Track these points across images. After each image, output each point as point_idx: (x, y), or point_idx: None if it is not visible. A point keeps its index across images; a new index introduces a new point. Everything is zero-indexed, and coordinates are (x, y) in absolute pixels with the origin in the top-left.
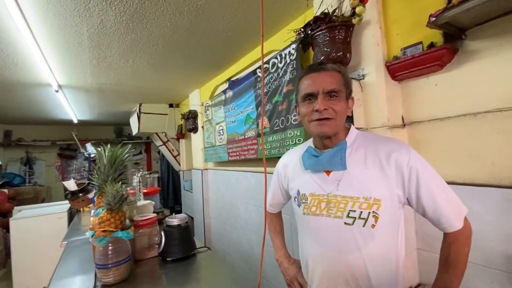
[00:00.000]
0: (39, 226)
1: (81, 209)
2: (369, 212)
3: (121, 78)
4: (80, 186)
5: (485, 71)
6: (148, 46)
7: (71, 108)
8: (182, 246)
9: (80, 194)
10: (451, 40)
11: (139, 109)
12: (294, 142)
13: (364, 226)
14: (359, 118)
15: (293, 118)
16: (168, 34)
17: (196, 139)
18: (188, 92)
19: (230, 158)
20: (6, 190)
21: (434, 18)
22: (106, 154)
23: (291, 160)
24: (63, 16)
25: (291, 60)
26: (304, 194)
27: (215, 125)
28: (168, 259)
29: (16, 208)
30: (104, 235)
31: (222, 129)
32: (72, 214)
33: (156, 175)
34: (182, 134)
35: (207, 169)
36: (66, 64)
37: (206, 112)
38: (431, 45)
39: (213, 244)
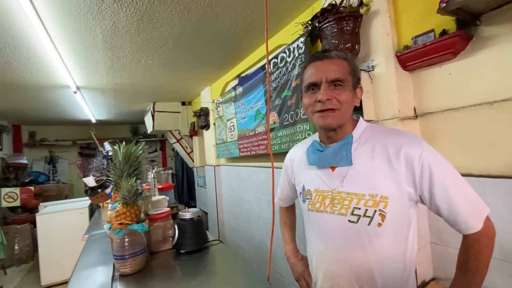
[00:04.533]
0: (63, 221)
1: (101, 204)
2: (375, 210)
3: (135, 78)
4: (99, 183)
5: (501, 58)
6: (159, 45)
7: (89, 108)
8: (194, 239)
9: (99, 190)
10: (464, 27)
11: (153, 107)
12: (303, 137)
13: (369, 224)
14: (369, 110)
15: (303, 112)
16: (177, 33)
17: (208, 135)
18: (200, 90)
19: (241, 154)
20: (32, 188)
21: (444, 4)
22: (121, 151)
23: (297, 154)
24: (78, 19)
25: (299, 54)
26: (309, 189)
27: (226, 121)
28: (182, 251)
29: (41, 204)
30: (120, 228)
31: (233, 125)
32: (92, 209)
33: (170, 172)
34: (194, 131)
35: (219, 165)
36: (83, 65)
37: (217, 109)
38: (443, 32)
39: (227, 238)
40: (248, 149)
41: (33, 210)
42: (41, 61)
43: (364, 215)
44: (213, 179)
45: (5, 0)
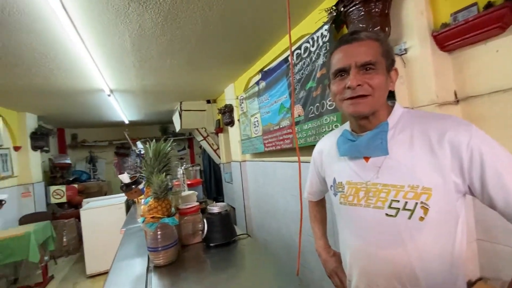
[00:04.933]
0: (103, 215)
1: (136, 200)
2: (416, 203)
3: (162, 78)
4: (133, 179)
5: None
6: (183, 45)
7: (121, 110)
8: (223, 232)
9: (133, 186)
10: None
11: (180, 107)
12: (330, 129)
13: (410, 218)
14: (403, 96)
15: (329, 103)
16: (200, 30)
17: (233, 132)
18: (223, 87)
19: (266, 149)
20: (76, 185)
21: None
22: (151, 148)
23: (326, 146)
24: (107, 24)
25: (323, 43)
26: (341, 182)
27: (250, 117)
28: (211, 244)
29: (84, 200)
30: (153, 221)
31: (257, 121)
32: (128, 205)
33: (198, 168)
34: (220, 128)
35: (245, 161)
36: (114, 69)
37: (241, 105)
38: (489, 5)
39: (254, 233)
40: (273, 144)
41: (78, 205)
42: (78, 67)
43: (404, 208)
44: (239, 175)
45: (46, 14)
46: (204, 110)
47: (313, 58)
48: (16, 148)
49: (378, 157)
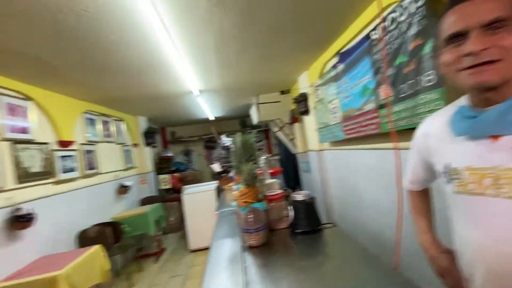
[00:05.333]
0: (199, 199)
1: (225, 187)
2: None
3: (239, 75)
4: (223, 168)
5: None
6: (257, 40)
7: (207, 108)
8: (308, 220)
9: (223, 174)
10: None
11: (257, 100)
12: (429, 109)
13: None
14: None
15: (426, 79)
16: (274, 21)
17: (309, 121)
18: (297, 76)
19: (346, 136)
20: (177, 175)
21: None
22: (239, 140)
23: (432, 127)
24: (196, 34)
25: (417, 9)
26: (456, 168)
27: (327, 104)
28: (297, 231)
29: (184, 187)
30: (245, 205)
31: (335, 107)
32: (218, 191)
33: (277, 157)
34: (295, 118)
35: (322, 149)
36: (200, 70)
37: (316, 92)
38: None
39: (337, 224)
40: (355, 130)
41: (179, 191)
42: (174, 73)
43: None
44: (317, 165)
45: (152, 31)
46: (278, 102)
47: (403, 29)
48: (135, 145)
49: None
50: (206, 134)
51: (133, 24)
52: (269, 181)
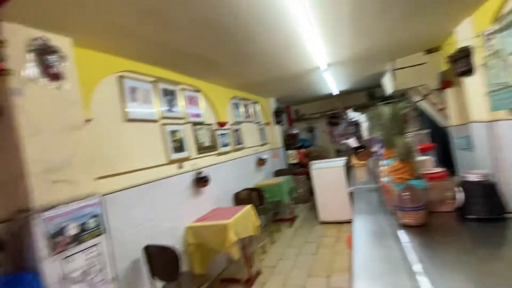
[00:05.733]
0: (328, 175)
1: (360, 163)
2: None
3: (373, 41)
4: (360, 143)
5: None
6: None
7: (333, 82)
8: (488, 205)
9: (360, 150)
10: None
11: (393, 66)
12: None
13: None
14: None
15: None
16: None
17: (473, 83)
18: (451, 28)
19: None
20: (303, 150)
21: None
22: (388, 111)
23: None
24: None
25: None
26: None
27: (507, 56)
28: (468, 216)
29: (310, 162)
30: (400, 182)
31: None
32: (346, 168)
33: (426, 131)
34: (447, 82)
35: (495, 120)
36: (329, 43)
37: (488, 43)
38: None
39: None
40: None
41: (305, 166)
42: (303, 50)
43: None
44: (485, 140)
45: (288, 14)
46: (423, 64)
47: None
48: (267, 124)
49: None
50: (329, 110)
51: (275, 10)
52: (421, 158)
